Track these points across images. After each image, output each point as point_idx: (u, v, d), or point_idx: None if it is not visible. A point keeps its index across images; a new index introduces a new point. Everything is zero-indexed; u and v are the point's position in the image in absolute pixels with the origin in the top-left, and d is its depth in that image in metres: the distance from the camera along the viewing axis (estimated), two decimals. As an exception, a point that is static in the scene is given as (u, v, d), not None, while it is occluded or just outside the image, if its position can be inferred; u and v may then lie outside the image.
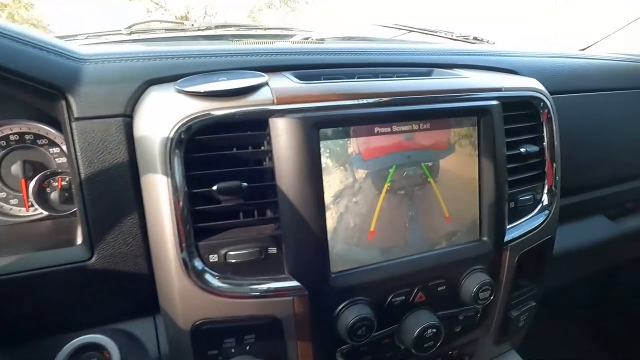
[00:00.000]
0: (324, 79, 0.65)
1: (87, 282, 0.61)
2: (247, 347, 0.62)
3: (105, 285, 0.62)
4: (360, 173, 0.63)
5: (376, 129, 0.63)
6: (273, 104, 0.57)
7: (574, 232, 1.09)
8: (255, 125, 0.58)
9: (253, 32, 1.27)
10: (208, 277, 0.58)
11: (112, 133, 0.58)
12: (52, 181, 0.71)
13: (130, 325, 0.67)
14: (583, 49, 1.39)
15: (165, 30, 1.18)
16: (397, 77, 0.72)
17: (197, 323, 0.59)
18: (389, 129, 0.64)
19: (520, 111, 0.78)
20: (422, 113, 0.66)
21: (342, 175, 0.62)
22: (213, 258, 0.58)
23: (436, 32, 1.31)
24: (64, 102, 0.56)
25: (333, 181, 0.61)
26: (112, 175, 0.58)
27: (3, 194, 0.71)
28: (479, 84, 0.72)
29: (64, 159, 0.73)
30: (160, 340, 0.66)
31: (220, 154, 0.57)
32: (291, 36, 1.25)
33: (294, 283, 0.60)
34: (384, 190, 0.65)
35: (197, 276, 0.57)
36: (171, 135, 0.54)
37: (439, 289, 0.70)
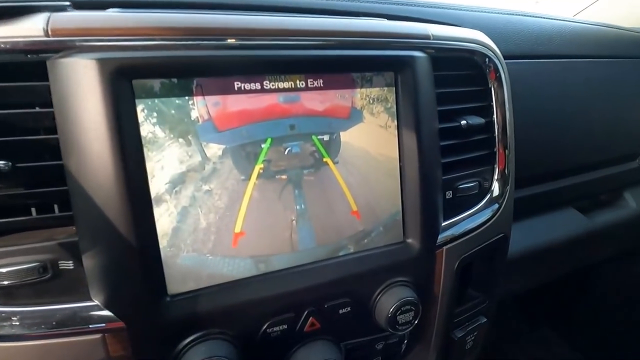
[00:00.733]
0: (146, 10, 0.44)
1: None
2: None
3: None
4: (213, 149, 0.43)
5: (237, 84, 0.43)
6: (47, 35, 0.36)
7: (539, 228, 0.92)
8: (25, 70, 0.37)
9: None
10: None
11: None
12: None
13: None
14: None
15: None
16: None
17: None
18: (257, 85, 0.44)
19: (459, 71, 0.59)
20: (311, 62, 0.46)
21: (181, 152, 0.41)
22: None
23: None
24: None
25: (166, 161, 0.41)
26: None
27: None
28: (398, 28, 0.52)
29: None
30: None
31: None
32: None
33: (104, 312, 0.40)
34: (253, 175, 0.45)
35: None
36: None
37: (341, 311, 0.50)
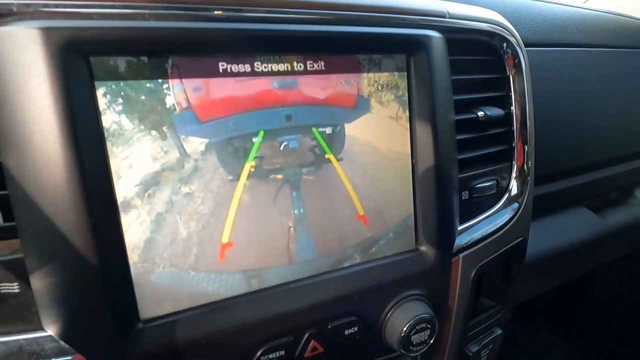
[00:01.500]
0: None
1: None
2: None
3: None
4: (194, 144, 0.36)
5: (222, 65, 0.36)
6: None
7: (552, 229, 0.86)
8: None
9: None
10: None
11: None
12: None
13: None
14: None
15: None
16: None
17: None
18: (247, 67, 0.37)
19: (474, 56, 0.53)
20: (310, 40, 0.39)
21: (154, 147, 0.34)
22: None
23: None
24: None
25: (135, 158, 0.33)
26: None
27: None
28: (411, 3, 0.45)
29: None
30: None
31: None
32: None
33: (59, 344, 0.32)
34: (243, 175, 0.38)
35: None
36: None
37: (347, 332, 0.43)
